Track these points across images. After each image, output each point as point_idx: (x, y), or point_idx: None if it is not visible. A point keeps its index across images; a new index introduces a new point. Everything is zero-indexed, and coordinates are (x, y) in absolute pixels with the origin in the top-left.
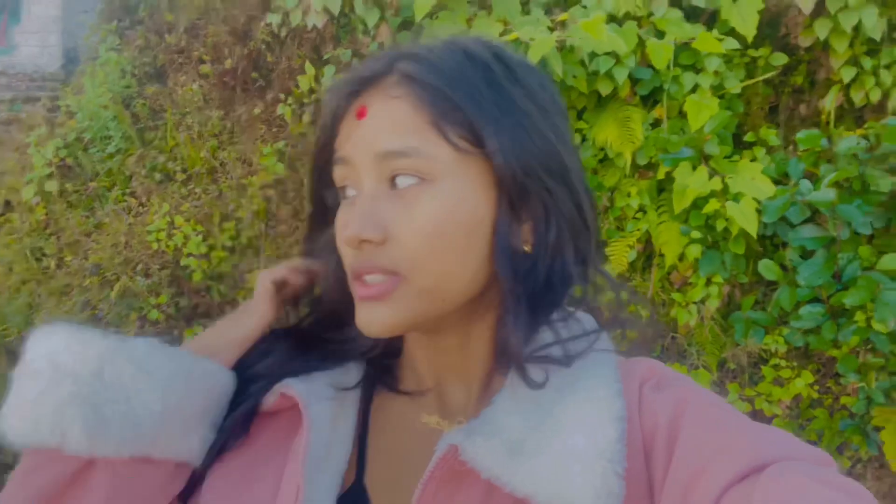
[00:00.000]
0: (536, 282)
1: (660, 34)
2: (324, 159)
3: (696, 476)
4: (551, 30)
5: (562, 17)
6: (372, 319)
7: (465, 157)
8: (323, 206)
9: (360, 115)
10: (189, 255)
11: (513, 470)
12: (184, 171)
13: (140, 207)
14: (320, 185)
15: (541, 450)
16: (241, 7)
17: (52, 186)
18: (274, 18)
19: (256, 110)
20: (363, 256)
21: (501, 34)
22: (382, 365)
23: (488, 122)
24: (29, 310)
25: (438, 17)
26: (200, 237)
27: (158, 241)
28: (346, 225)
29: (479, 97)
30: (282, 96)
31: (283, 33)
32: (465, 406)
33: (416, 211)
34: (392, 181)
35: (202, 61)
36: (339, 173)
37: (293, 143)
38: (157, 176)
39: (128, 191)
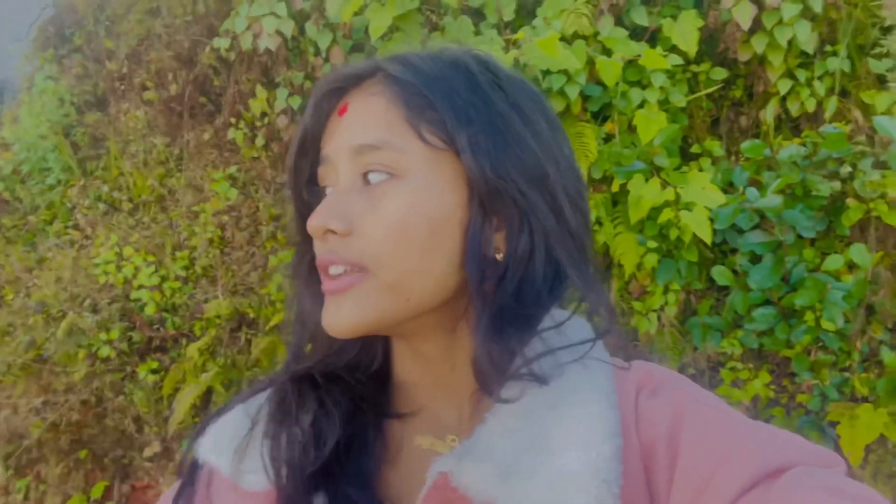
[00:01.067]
0: (505, 291)
1: (607, 52)
2: (307, 160)
3: (703, 486)
4: (505, 50)
5: (518, 35)
6: (337, 315)
7: (437, 155)
8: (307, 211)
9: (341, 112)
10: (140, 287)
11: (506, 494)
12: (130, 200)
13: (84, 240)
14: (301, 188)
15: (534, 471)
16: (184, 32)
17: None
18: (222, 43)
19: (206, 135)
20: (327, 247)
21: None
22: (372, 390)
23: (461, 121)
24: None
25: (392, 38)
26: (152, 268)
27: (106, 273)
28: (312, 216)
29: (455, 97)
30: (232, 120)
31: (232, 57)
32: (457, 424)
33: (382, 204)
34: (365, 177)
35: (145, 87)
36: (321, 173)
37: (246, 167)
38: (102, 206)
39: (70, 223)
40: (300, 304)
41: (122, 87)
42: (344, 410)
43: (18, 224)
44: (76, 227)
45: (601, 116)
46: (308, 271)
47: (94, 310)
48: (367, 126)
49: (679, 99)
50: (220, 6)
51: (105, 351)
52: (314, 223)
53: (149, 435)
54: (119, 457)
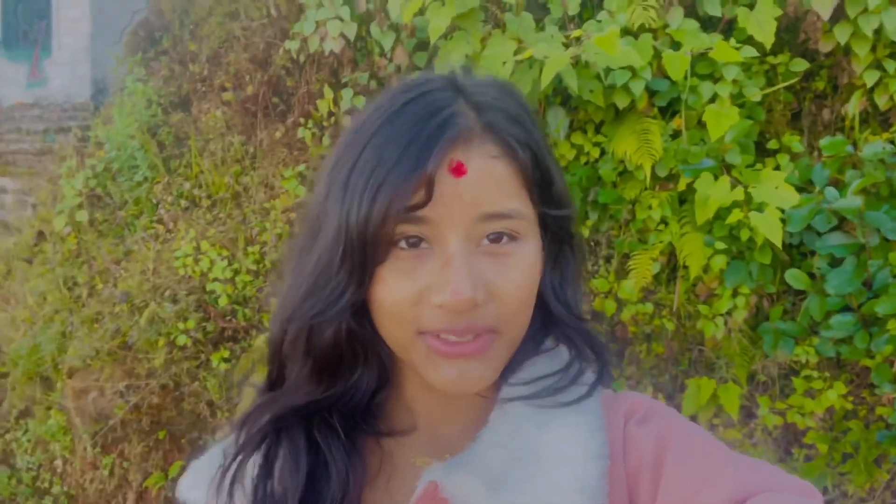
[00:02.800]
0: (537, 319)
1: (676, 45)
2: (391, 210)
3: None
4: (566, 46)
5: (575, 33)
6: (467, 375)
7: (536, 215)
8: (371, 257)
9: (458, 172)
10: (214, 279)
11: None
12: (209, 196)
13: (167, 234)
14: (373, 237)
15: (522, 486)
16: (260, 35)
17: (82, 216)
18: (292, 45)
19: (277, 134)
20: (463, 318)
21: (515, 52)
22: (365, 408)
23: (552, 187)
24: (62, 338)
25: (452, 37)
26: (225, 262)
27: (185, 266)
28: (457, 290)
29: (550, 162)
30: (302, 120)
31: (302, 59)
32: (457, 442)
33: (512, 269)
34: (482, 239)
35: (224, 89)
36: (410, 228)
37: (313, 165)
38: (183, 202)
39: (155, 218)
40: (318, 329)
41: (203, 89)
42: (336, 441)
43: (109, 218)
44: (160, 221)
45: (669, 112)
46: (349, 307)
47: (174, 300)
48: (495, 195)
49: (754, 93)
50: (292, 9)
51: (182, 339)
52: (464, 298)
53: (221, 419)
54: (195, 438)
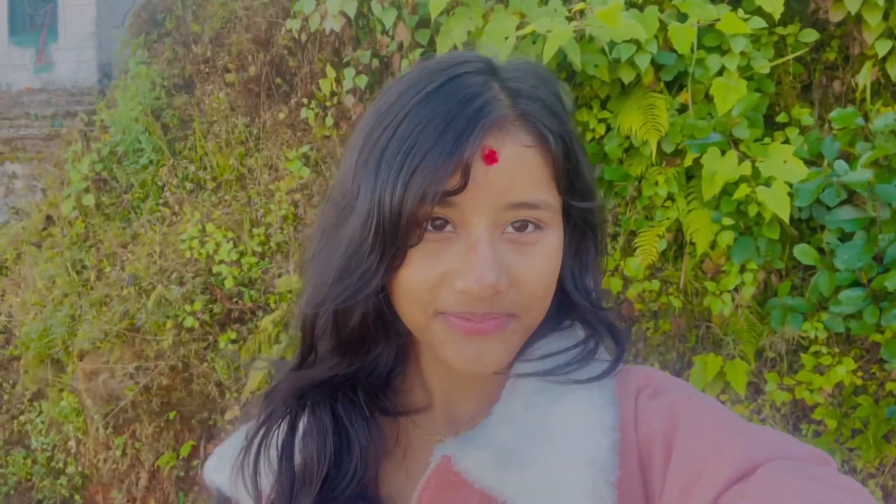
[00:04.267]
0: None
1: (682, 17)
2: (428, 193)
3: (692, 481)
4: (570, 20)
5: (578, 6)
6: (484, 355)
7: (561, 205)
8: (403, 240)
9: (491, 159)
10: (220, 261)
11: (504, 479)
12: (213, 179)
13: (173, 217)
14: (407, 220)
15: (533, 459)
16: (262, 14)
17: (89, 200)
18: (294, 24)
19: (281, 115)
20: (483, 304)
21: (518, 27)
22: (383, 385)
23: (580, 179)
24: (72, 321)
25: (454, 13)
26: (231, 244)
27: (191, 249)
28: (481, 276)
29: (580, 153)
30: (305, 101)
31: (304, 38)
32: (471, 418)
33: (533, 257)
34: (507, 226)
35: (227, 70)
36: (438, 211)
37: (317, 146)
38: (189, 185)
39: (161, 201)
40: (347, 310)
41: (207, 70)
42: (357, 415)
43: (116, 202)
44: (166, 204)
45: (676, 86)
46: (375, 291)
47: (181, 283)
48: (528, 184)
49: (762, 65)
50: None
51: (189, 321)
52: (487, 284)
53: (229, 400)
54: (205, 419)
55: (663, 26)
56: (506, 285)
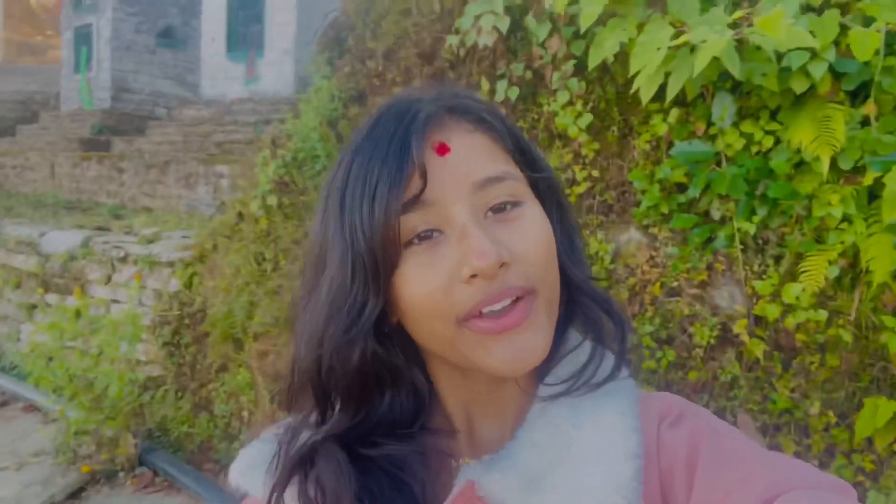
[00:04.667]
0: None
1: (868, 21)
2: (392, 206)
3: None
4: (733, 27)
5: (735, 14)
6: (523, 348)
7: (527, 182)
8: (384, 262)
9: (443, 150)
10: None
11: None
12: None
13: None
14: (382, 241)
15: (557, 486)
16: (428, 31)
17: (272, 200)
18: (453, 39)
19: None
20: (496, 283)
21: (673, 37)
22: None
23: (531, 152)
24: (250, 307)
25: (608, 24)
26: None
27: None
28: (482, 252)
29: (519, 131)
30: None
31: (462, 53)
32: (495, 441)
33: (524, 228)
34: (487, 211)
35: (395, 83)
36: (416, 219)
37: None
38: None
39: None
40: (346, 350)
41: (378, 83)
42: (390, 453)
43: (294, 203)
44: None
45: (862, 96)
46: (374, 326)
47: None
48: (484, 161)
49: None
50: (458, 4)
51: None
52: (492, 260)
53: None
54: None
55: (845, 31)
56: (509, 257)
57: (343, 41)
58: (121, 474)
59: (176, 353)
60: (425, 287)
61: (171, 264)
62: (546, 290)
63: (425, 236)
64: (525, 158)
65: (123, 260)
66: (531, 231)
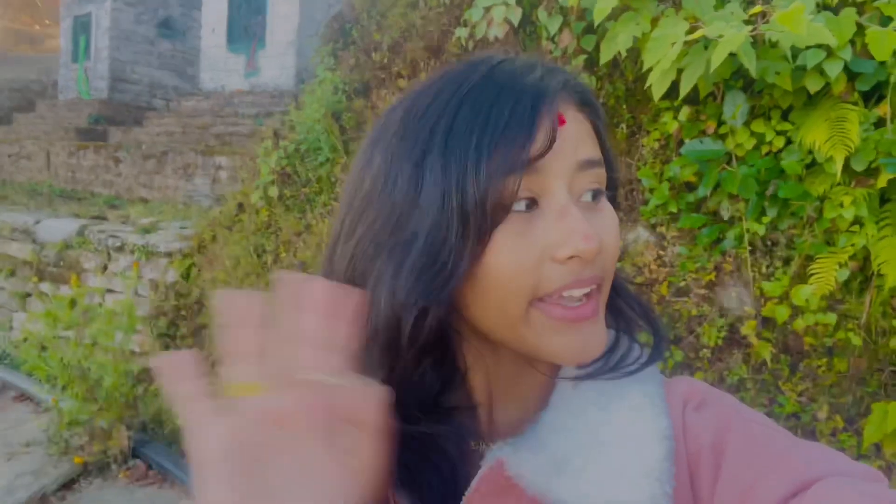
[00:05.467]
0: None
1: (885, 21)
2: (516, 161)
3: (744, 495)
4: (749, 23)
5: (755, 9)
6: (591, 340)
7: None
8: (492, 218)
9: (561, 121)
10: None
11: (559, 486)
12: None
13: None
14: (494, 196)
15: (587, 467)
16: (436, 23)
17: (273, 192)
18: (462, 32)
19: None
20: (590, 268)
21: (688, 32)
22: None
23: (610, 150)
24: None
25: (622, 18)
26: None
27: None
28: (589, 235)
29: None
30: None
31: (471, 46)
32: (514, 424)
33: (609, 221)
34: (581, 194)
35: (401, 76)
36: (525, 183)
37: None
38: None
39: (332, 196)
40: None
41: (383, 76)
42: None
43: (295, 195)
44: (336, 199)
45: (876, 97)
46: (461, 280)
47: None
48: (588, 144)
49: None
50: None
51: None
52: (595, 244)
53: None
54: None
55: (861, 31)
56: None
57: (348, 33)
58: (113, 466)
59: (171, 345)
60: (516, 258)
61: (168, 255)
62: (607, 286)
63: (529, 205)
64: (607, 154)
65: (120, 249)
66: (611, 224)
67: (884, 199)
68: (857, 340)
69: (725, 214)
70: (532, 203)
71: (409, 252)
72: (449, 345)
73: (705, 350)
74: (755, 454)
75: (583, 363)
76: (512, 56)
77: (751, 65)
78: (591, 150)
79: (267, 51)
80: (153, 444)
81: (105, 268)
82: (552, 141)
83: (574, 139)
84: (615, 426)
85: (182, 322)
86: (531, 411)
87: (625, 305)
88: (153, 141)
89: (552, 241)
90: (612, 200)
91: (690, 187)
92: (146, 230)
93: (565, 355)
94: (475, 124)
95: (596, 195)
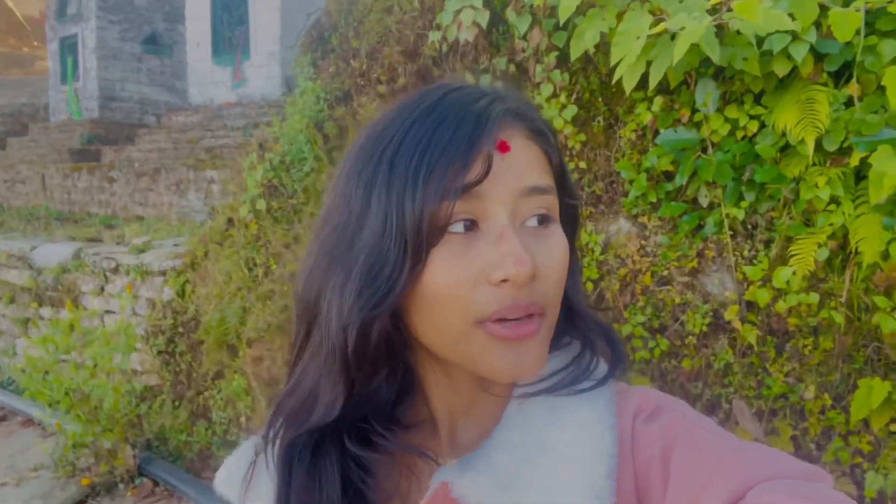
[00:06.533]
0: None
1: (847, 1)
2: (450, 188)
3: (692, 502)
4: (713, 13)
5: (714, 0)
6: (526, 358)
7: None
8: (427, 239)
9: (504, 148)
10: None
11: None
12: None
13: None
14: (429, 218)
15: (531, 485)
16: (411, 27)
17: (261, 205)
18: (435, 36)
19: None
20: (525, 292)
21: (652, 25)
22: (386, 417)
23: (568, 176)
24: (243, 313)
25: (588, 14)
26: None
27: None
28: (521, 259)
29: (560, 154)
30: None
31: (445, 48)
32: (474, 441)
33: (554, 249)
34: (525, 219)
35: (380, 82)
36: (462, 207)
37: None
38: None
39: (319, 206)
40: (368, 325)
41: (362, 83)
42: (356, 456)
43: (283, 206)
44: None
45: (846, 76)
46: (398, 298)
47: None
48: (535, 171)
49: None
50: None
51: None
52: (528, 268)
53: None
54: None
55: (825, 12)
56: (538, 271)
57: (326, 41)
58: (121, 485)
59: (171, 362)
60: (453, 279)
61: (162, 273)
62: (553, 313)
63: (467, 226)
64: (562, 181)
65: (115, 271)
66: (557, 251)
67: (859, 176)
68: (840, 318)
69: (704, 201)
70: (473, 225)
71: (354, 268)
72: (400, 358)
73: (691, 337)
74: (701, 461)
75: (518, 380)
76: (465, 85)
77: (714, 54)
78: (538, 178)
79: (252, 61)
80: (158, 460)
81: (102, 289)
82: (489, 168)
83: (520, 166)
84: (561, 443)
85: (180, 339)
86: (490, 428)
87: (584, 325)
88: (145, 158)
89: (487, 263)
90: (572, 226)
91: (669, 176)
92: (140, 250)
93: (500, 372)
94: (417, 150)
95: (543, 220)
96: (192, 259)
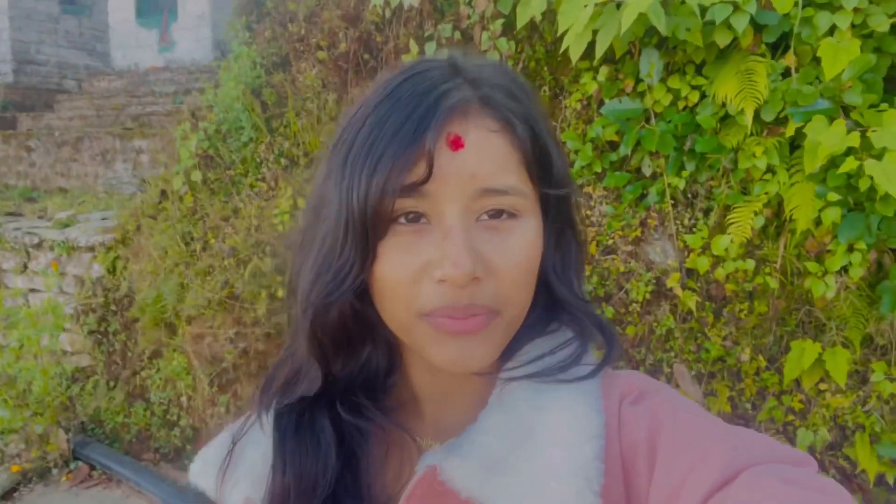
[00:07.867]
0: (538, 300)
1: None
2: (389, 186)
3: (679, 486)
4: None
5: None
6: (468, 355)
7: (537, 195)
8: (373, 233)
9: (456, 145)
10: None
11: (490, 489)
12: (306, 154)
13: (269, 192)
14: (373, 213)
15: (519, 468)
16: None
17: (196, 176)
18: (378, 0)
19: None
20: (464, 294)
21: None
22: (379, 388)
23: (552, 166)
24: (181, 289)
25: None
26: None
27: (283, 223)
28: (457, 262)
29: (550, 141)
30: None
31: (388, 14)
32: (460, 424)
33: (512, 246)
34: (480, 215)
35: (320, 47)
36: (408, 203)
37: None
38: (283, 161)
39: (259, 177)
40: (325, 310)
41: (301, 48)
42: (349, 426)
43: (220, 178)
44: (263, 180)
45: (782, 48)
46: (353, 288)
47: (274, 255)
48: (493, 169)
49: (881, 21)
50: None
51: (281, 292)
52: (463, 272)
53: None
54: None
55: None
56: (483, 273)
57: (262, 3)
58: (54, 471)
59: (104, 342)
60: (397, 271)
61: (91, 249)
62: (511, 311)
63: (412, 218)
64: (540, 171)
65: (38, 246)
66: (516, 247)
67: (793, 146)
68: (774, 283)
69: (647, 171)
70: (422, 217)
71: (312, 255)
72: (381, 335)
73: (634, 305)
74: (687, 445)
75: (459, 372)
76: (433, 66)
77: (660, 24)
78: (496, 178)
79: (180, 23)
80: (94, 444)
81: (25, 267)
82: (430, 170)
83: (474, 164)
84: (548, 426)
85: (112, 317)
86: (475, 412)
87: (571, 314)
88: (66, 126)
89: (431, 260)
90: (563, 217)
91: (613, 146)
92: (65, 224)
93: (444, 363)
94: (367, 141)
95: (497, 215)
96: (122, 234)
